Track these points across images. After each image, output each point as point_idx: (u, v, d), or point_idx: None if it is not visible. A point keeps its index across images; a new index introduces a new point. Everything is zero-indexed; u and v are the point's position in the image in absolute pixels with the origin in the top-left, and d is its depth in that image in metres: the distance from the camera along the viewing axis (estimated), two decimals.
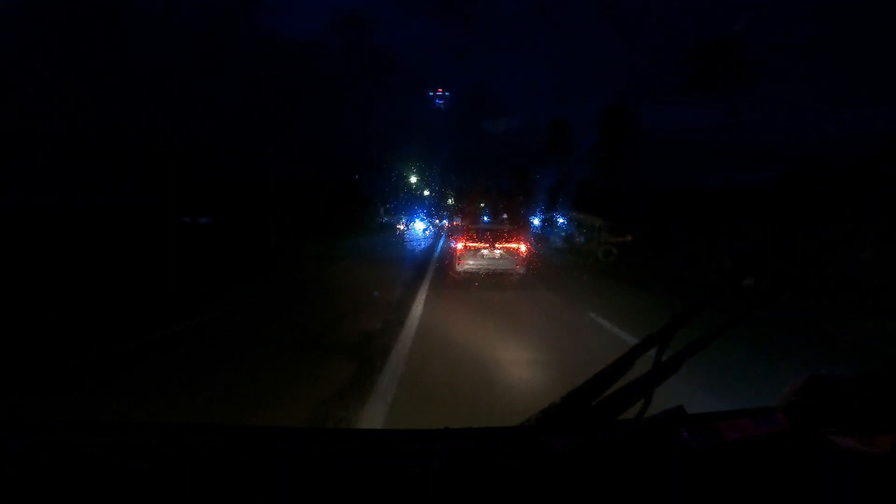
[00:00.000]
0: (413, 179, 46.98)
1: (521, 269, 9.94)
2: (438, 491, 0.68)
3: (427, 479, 0.70)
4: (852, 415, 0.73)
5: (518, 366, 4.39)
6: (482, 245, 9.85)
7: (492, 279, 9.87)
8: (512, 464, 0.70)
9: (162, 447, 0.80)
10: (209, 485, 0.70)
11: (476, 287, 9.38)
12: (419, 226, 43.88)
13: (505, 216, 34.74)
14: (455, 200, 51.88)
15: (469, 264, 9.80)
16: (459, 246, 10.03)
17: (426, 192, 52.26)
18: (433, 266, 12.85)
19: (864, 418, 0.73)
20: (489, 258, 9.81)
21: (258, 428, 0.91)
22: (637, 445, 0.71)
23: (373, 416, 3.10)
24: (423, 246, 23.71)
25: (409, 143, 45.13)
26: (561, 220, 29.31)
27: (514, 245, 9.92)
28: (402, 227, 42.28)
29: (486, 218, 39.90)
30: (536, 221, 34.33)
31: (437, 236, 32.11)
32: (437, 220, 53.16)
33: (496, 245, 9.78)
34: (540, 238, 28.72)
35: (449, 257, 11.87)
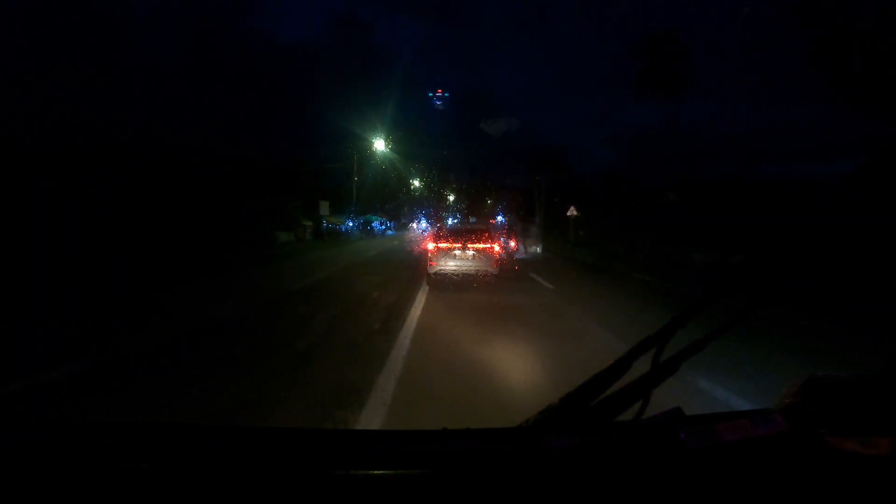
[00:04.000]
0: (393, 175, 36.41)
1: (495, 270, 9.56)
2: (437, 492, 0.68)
3: (426, 479, 0.70)
4: (851, 416, 0.73)
5: None
6: (455, 246, 9.47)
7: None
8: (510, 465, 0.71)
9: (162, 447, 0.81)
10: (209, 485, 0.70)
11: None
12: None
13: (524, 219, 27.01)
14: (456, 200, 46.53)
15: (441, 266, 9.41)
16: (430, 246, 9.62)
17: (416, 185, 43.10)
18: None
19: (864, 420, 0.73)
20: (462, 259, 9.44)
21: (258, 428, 0.92)
22: (635, 447, 0.71)
23: None
24: None
25: (385, 125, 32.49)
26: None
27: (487, 245, 9.58)
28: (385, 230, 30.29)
29: (500, 218, 32.96)
30: None
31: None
32: (416, 223, 41.93)
33: (469, 246, 9.43)
34: None
35: None
